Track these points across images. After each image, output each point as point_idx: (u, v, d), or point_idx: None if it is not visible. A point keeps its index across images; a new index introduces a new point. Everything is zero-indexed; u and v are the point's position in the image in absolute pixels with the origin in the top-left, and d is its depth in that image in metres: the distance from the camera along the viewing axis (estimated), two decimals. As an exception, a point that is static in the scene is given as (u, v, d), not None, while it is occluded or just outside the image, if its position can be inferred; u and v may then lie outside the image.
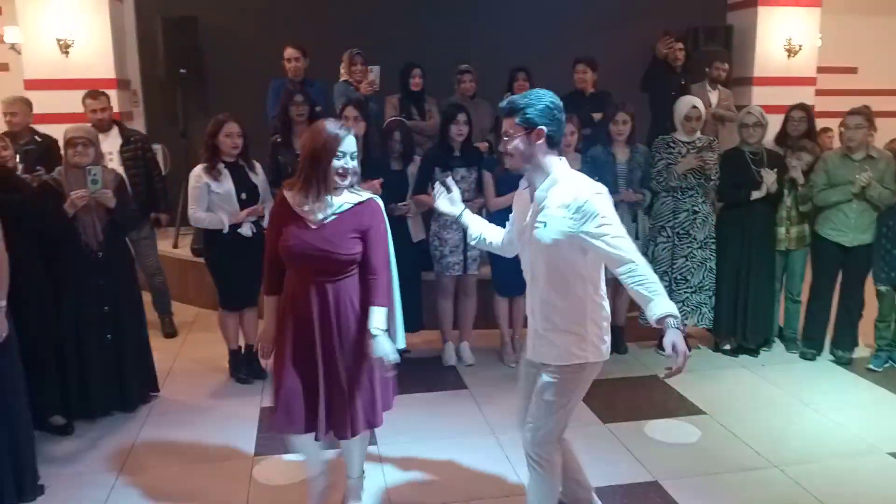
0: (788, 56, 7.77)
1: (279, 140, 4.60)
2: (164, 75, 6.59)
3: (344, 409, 2.74)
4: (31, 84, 6.38)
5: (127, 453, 3.62)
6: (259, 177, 4.37)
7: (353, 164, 2.66)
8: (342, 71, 5.61)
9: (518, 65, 5.89)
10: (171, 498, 3.22)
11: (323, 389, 2.72)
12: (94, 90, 5.20)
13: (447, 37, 7.00)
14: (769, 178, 4.65)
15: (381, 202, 2.80)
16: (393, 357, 2.67)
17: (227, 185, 4.21)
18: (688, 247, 4.76)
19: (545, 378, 2.56)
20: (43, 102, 5.95)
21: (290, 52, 5.54)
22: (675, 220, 4.76)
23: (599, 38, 7.11)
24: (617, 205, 4.63)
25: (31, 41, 6.44)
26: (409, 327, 4.90)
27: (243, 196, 4.26)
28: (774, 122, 5.05)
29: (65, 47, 6.38)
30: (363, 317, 2.71)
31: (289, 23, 6.72)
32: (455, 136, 4.56)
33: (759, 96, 7.55)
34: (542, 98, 2.46)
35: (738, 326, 4.90)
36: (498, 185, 4.57)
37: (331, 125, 2.65)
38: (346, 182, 2.66)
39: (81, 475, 3.41)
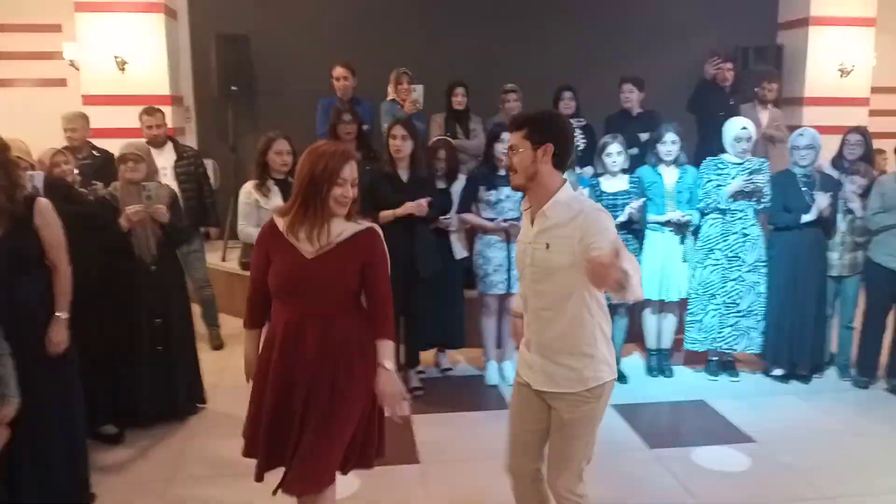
0: (841, 76, 7.62)
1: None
2: (216, 92, 6.75)
3: (313, 462, 2.44)
4: (89, 100, 6.59)
5: (176, 463, 3.68)
6: (308, 193, 4.43)
7: (353, 191, 2.44)
8: (390, 90, 5.68)
9: (564, 84, 5.89)
10: (217, 509, 3.27)
11: (294, 438, 2.45)
12: (150, 107, 5.35)
13: (494, 56, 7.06)
14: (823, 201, 4.55)
15: (380, 231, 2.55)
16: (402, 393, 2.47)
17: (275, 201, 4.27)
18: (737, 270, 4.68)
19: (568, 411, 2.41)
20: (100, 118, 6.14)
21: (338, 70, 5.63)
22: (725, 243, 4.69)
23: (647, 58, 7.07)
24: (664, 227, 4.69)
25: (89, 58, 6.66)
26: (452, 344, 4.95)
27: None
28: (827, 143, 4.95)
29: (122, 64, 6.58)
30: (363, 354, 2.46)
31: (338, 41, 6.83)
32: (499, 156, 4.58)
33: (811, 116, 7.42)
34: (553, 115, 2.44)
35: (789, 352, 4.79)
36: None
37: (331, 149, 2.45)
38: (345, 211, 2.44)
39: (131, 484, 3.49)
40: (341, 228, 2.46)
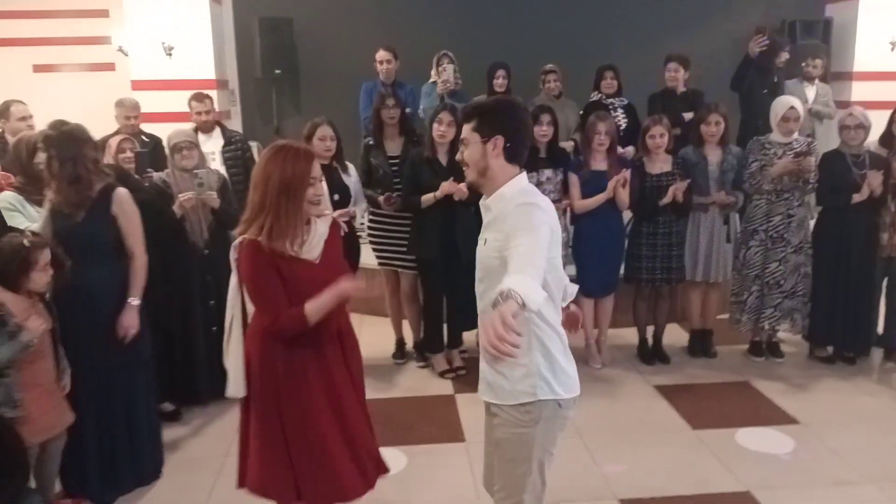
0: (892, 49, 7.40)
1: (371, 143, 4.73)
2: (260, 75, 6.86)
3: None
4: (138, 84, 6.75)
5: (231, 439, 3.81)
6: (352, 178, 4.51)
7: (322, 188, 2.40)
8: (433, 73, 5.70)
9: (606, 63, 5.84)
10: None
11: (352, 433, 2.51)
12: (199, 93, 5.47)
13: (536, 35, 7.02)
14: (875, 180, 4.46)
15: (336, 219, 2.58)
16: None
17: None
18: (781, 251, 4.64)
19: (500, 429, 2.21)
20: (148, 102, 6.29)
21: (381, 54, 5.68)
22: (769, 224, 4.65)
23: (690, 34, 6.98)
24: (708, 207, 4.67)
25: (137, 44, 6.81)
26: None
27: (336, 197, 4.39)
28: (876, 120, 4.85)
29: (168, 49, 6.72)
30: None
31: (381, 24, 6.87)
32: (539, 138, 4.59)
33: (860, 92, 7.25)
34: (506, 105, 2.24)
35: (836, 334, 4.76)
36: (584, 186, 4.57)
37: (294, 150, 2.35)
38: (319, 210, 2.40)
39: (189, 460, 3.65)
40: (319, 225, 2.44)
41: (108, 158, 4.17)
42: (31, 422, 2.79)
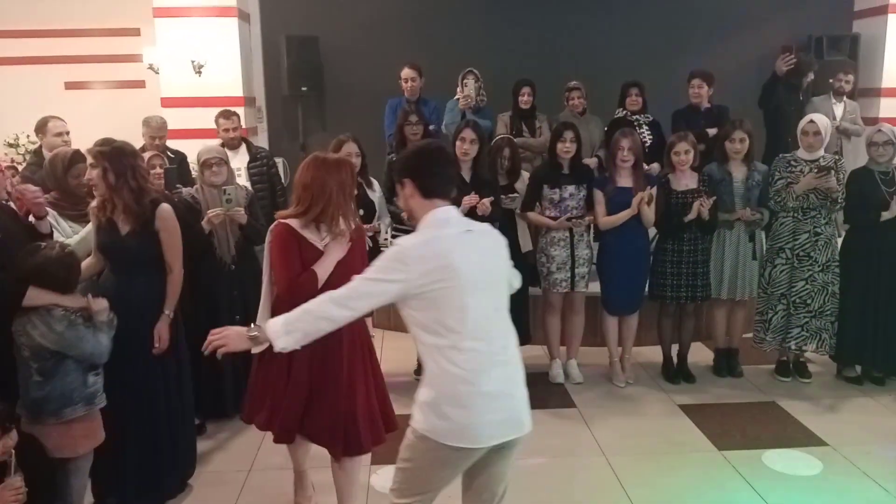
0: (922, 65, 7.32)
1: (395, 158, 4.76)
2: (286, 92, 6.96)
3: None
4: (168, 102, 6.87)
5: (255, 454, 3.86)
6: (376, 194, 4.55)
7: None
8: (458, 90, 5.73)
9: (631, 80, 5.84)
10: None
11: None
12: (226, 110, 5.55)
13: (561, 52, 7.06)
14: (902, 197, 4.42)
15: None
16: None
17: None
18: (808, 270, 4.59)
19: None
20: (177, 119, 6.40)
21: (406, 72, 5.73)
22: (796, 242, 4.60)
23: (715, 50, 6.97)
24: (733, 224, 4.63)
25: (167, 62, 6.94)
26: (518, 342, 4.99)
27: (361, 212, 4.42)
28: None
29: (198, 67, 6.83)
30: None
31: (406, 42, 6.94)
32: (562, 154, 4.59)
33: (888, 108, 7.17)
34: (410, 149, 2.40)
35: (864, 353, 4.69)
36: (609, 202, 4.56)
37: (343, 161, 2.89)
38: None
39: (213, 473, 3.68)
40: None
41: None
42: (60, 437, 2.84)
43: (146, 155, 4.30)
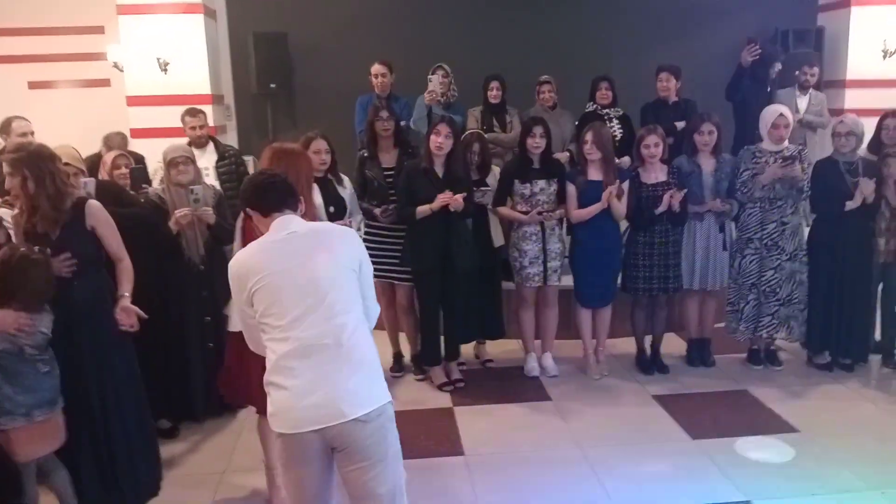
0: (884, 57, 7.45)
1: (366, 155, 4.73)
2: (255, 89, 6.88)
3: None
4: (133, 100, 6.76)
5: (228, 456, 3.81)
6: (347, 190, 4.51)
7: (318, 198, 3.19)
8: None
9: (601, 74, 5.87)
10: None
11: None
12: (192, 108, 5.47)
13: (531, 47, 7.07)
14: (867, 188, 4.49)
15: None
16: None
17: (316, 199, 4.35)
18: (776, 258, 4.65)
19: None
20: (143, 118, 6.30)
21: (376, 68, 5.70)
22: (763, 232, 4.66)
23: (683, 43, 7.04)
24: (703, 216, 4.68)
25: (132, 60, 6.82)
26: (491, 335, 5.01)
27: (331, 209, 4.39)
28: (870, 126, 4.88)
29: (164, 65, 6.73)
30: None
31: (376, 38, 6.89)
32: (532, 149, 4.60)
33: (853, 99, 7.28)
34: (244, 185, 2.56)
35: (833, 340, 4.76)
36: (580, 196, 4.57)
37: (303, 153, 3.15)
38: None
39: (186, 476, 3.63)
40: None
41: (102, 174, 4.17)
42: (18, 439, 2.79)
43: (110, 155, 4.22)
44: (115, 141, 5.33)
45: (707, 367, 4.89)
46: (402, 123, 5.09)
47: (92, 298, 3.16)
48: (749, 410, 4.24)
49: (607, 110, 5.75)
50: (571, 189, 4.61)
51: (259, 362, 2.69)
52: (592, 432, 3.97)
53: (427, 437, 3.96)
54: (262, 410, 3.03)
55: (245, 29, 7.06)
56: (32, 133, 4.76)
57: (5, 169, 3.13)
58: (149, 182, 4.40)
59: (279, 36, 6.90)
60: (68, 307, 3.05)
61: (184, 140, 5.24)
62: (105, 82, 7.57)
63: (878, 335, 4.94)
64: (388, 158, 4.69)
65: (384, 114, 4.69)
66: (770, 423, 4.06)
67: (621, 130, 5.70)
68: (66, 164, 3.51)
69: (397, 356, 4.95)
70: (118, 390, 3.23)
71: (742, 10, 7.43)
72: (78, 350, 3.11)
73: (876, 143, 4.87)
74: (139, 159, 5.30)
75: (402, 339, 4.95)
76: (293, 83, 6.93)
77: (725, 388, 4.58)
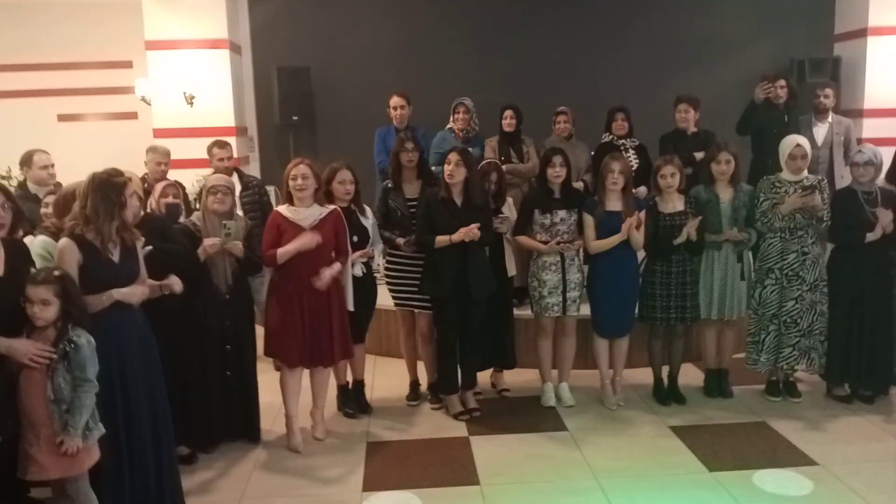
0: (901, 86, 7.46)
1: (390, 185, 4.81)
2: (278, 122, 7.05)
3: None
4: (160, 133, 6.94)
5: (245, 483, 3.85)
6: (369, 220, 4.60)
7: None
8: (451, 119, 5.80)
9: (617, 105, 5.93)
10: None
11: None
12: (220, 140, 5.61)
13: (550, 79, 7.18)
14: (885, 218, 4.48)
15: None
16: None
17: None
18: (797, 289, 4.64)
19: None
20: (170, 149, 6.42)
21: (395, 100, 5.82)
22: (784, 262, 4.65)
23: (700, 74, 7.10)
24: (721, 245, 4.69)
25: (159, 93, 7.02)
26: (505, 365, 5.02)
27: (355, 239, 4.47)
28: (888, 155, 4.87)
29: (190, 99, 6.91)
30: None
31: (394, 71, 7.06)
32: (553, 179, 4.65)
33: (871, 129, 7.28)
34: None
35: (853, 372, 4.72)
36: (599, 226, 4.61)
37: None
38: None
39: (207, 502, 3.66)
40: (316, 207, 4.24)
41: (152, 202, 4.26)
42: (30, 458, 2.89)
43: (161, 184, 4.34)
44: (161, 148, 5.52)
45: (725, 398, 4.86)
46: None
47: (144, 322, 3.28)
48: (767, 443, 4.20)
49: (623, 141, 5.80)
50: (589, 219, 4.64)
51: (281, 322, 4.09)
52: (609, 463, 3.96)
53: (442, 465, 3.98)
54: (288, 364, 4.20)
55: (269, 63, 7.25)
56: (53, 165, 4.92)
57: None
58: (186, 213, 4.51)
59: (302, 70, 7.08)
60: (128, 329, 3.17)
61: (208, 171, 5.37)
62: (132, 115, 7.79)
63: (899, 367, 4.89)
64: (412, 189, 4.76)
65: (409, 145, 4.75)
66: (789, 456, 4.02)
67: (637, 160, 5.74)
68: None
69: (414, 384, 4.98)
70: (156, 415, 3.31)
71: (758, 40, 7.51)
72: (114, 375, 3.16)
73: (893, 173, 4.86)
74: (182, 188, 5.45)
75: (420, 368, 4.98)
76: (315, 115, 7.11)
77: (743, 419, 4.55)
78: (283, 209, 4.22)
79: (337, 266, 4.18)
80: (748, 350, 4.86)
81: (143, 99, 7.40)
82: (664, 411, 4.69)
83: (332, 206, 4.26)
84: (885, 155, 4.80)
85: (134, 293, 3.18)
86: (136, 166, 5.49)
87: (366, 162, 5.84)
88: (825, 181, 4.82)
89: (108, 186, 3.09)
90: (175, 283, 3.47)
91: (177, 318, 3.92)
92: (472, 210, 4.46)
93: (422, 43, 7.42)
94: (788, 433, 4.30)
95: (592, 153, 5.85)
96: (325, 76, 7.19)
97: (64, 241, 3.09)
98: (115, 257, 3.14)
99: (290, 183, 4.20)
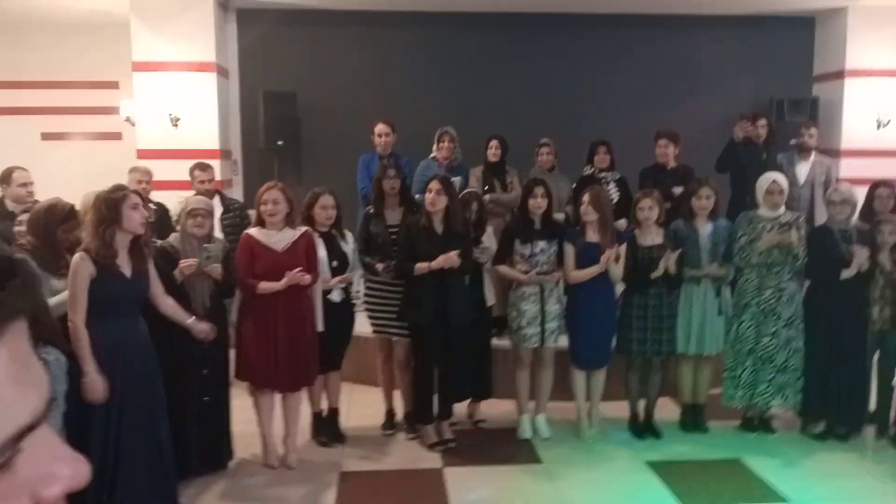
0: (878, 127, 7.60)
1: (372, 211, 4.83)
2: (263, 146, 7.06)
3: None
4: (144, 154, 6.91)
5: (218, 510, 3.79)
6: (349, 246, 4.60)
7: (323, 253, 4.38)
8: (434, 147, 5.84)
9: (599, 138, 6.01)
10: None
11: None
12: (202, 162, 5.62)
13: (535, 110, 7.26)
14: (861, 255, 4.54)
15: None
16: None
17: (320, 252, 4.45)
18: (773, 325, 4.67)
19: None
20: (153, 170, 6.40)
21: (380, 127, 5.86)
22: (761, 298, 4.69)
23: (682, 110, 7.20)
24: (699, 280, 4.73)
25: (145, 114, 7.02)
26: (481, 395, 5.00)
27: (335, 264, 4.47)
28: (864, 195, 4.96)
29: (175, 120, 6.91)
30: None
31: (380, 99, 7.11)
32: (534, 210, 4.68)
33: (848, 168, 7.40)
34: None
35: (828, 409, 4.74)
36: (578, 257, 4.64)
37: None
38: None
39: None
40: (288, 231, 4.23)
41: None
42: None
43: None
44: (143, 167, 5.55)
45: (701, 433, 4.86)
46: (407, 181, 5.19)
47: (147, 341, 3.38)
48: (742, 479, 4.20)
49: (605, 174, 5.87)
50: (570, 250, 4.67)
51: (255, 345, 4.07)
52: (583, 498, 3.94)
53: (415, 497, 3.95)
54: (258, 386, 4.22)
55: (256, 87, 7.28)
56: (32, 184, 4.89)
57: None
58: (161, 234, 4.50)
59: (288, 95, 7.12)
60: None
61: (205, 198, 5.36)
62: (117, 135, 7.78)
63: (873, 405, 4.92)
64: (394, 216, 4.78)
65: (391, 172, 4.78)
66: (762, 493, 4.02)
67: (618, 193, 5.80)
68: None
69: (389, 413, 4.94)
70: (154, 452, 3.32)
71: (739, 78, 7.64)
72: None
73: (867, 212, 4.94)
74: (163, 210, 5.44)
75: (396, 396, 4.94)
76: (300, 140, 7.12)
77: (719, 455, 4.54)
78: (254, 232, 4.21)
79: (308, 278, 4.12)
80: (725, 385, 4.87)
81: (128, 119, 7.40)
82: (640, 445, 4.68)
83: (303, 228, 4.27)
84: (861, 194, 4.89)
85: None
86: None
87: (350, 188, 5.87)
88: (802, 218, 4.89)
89: (104, 202, 3.23)
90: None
91: (156, 343, 3.88)
92: (453, 238, 4.48)
93: (408, 72, 7.50)
94: (763, 470, 4.30)
95: (574, 185, 5.90)
96: (312, 102, 7.22)
97: (79, 255, 3.23)
98: (127, 272, 3.20)
99: (262, 207, 4.21)
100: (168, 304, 3.64)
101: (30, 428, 0.52)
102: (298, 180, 6.57)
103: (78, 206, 3.73)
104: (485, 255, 4.71)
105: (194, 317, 3.66)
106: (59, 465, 0.54)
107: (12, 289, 0.53)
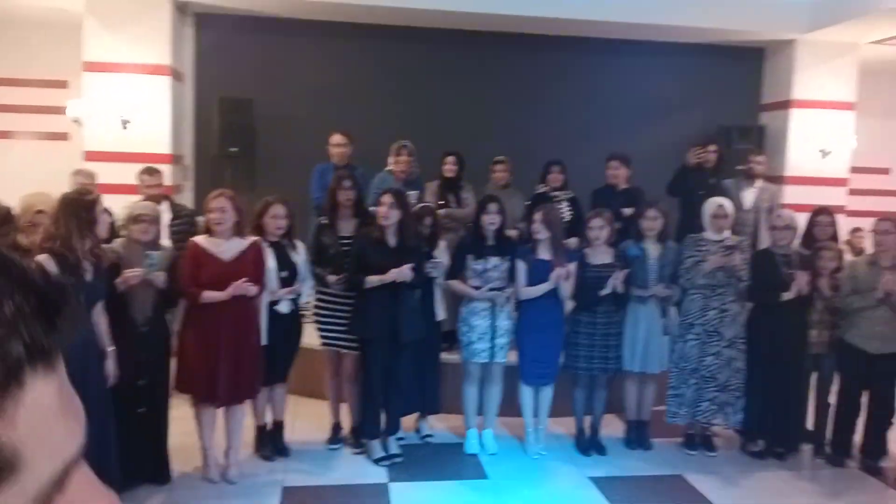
0: (822, 156, 7.87)
1: (324, 222, 4.78)
2: (216, 152, 6.95)
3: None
4: (92, 155, 6.74)
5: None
6: (300, 256, 4.55)
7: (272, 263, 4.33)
8: (389, 160, 5.83)
9: (553, 158, 6.08)
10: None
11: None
12: (150, 167, 5.50)
13: (491, 128, 7.34)
14: (801, 279, 4.68)
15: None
16: None
17: (269, 263, 4.39)
18: (716, 345, 4.78)
19: None
20: (100, 173, 6.25)
21: (336, 138, 5.82)
22: (704, 318, 4.80)
23: (633, 134, 7.35)
24: (647, 300, 4.81)
25: (93, 115, 6.84)
26: (429, 410, 4.99)
27: (284, 274, 4.42)
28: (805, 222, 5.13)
29: (124, 122, 6.76)
30: None
31: (338, 109, 7.06)
32: (487, 226, 4.72)
33: (792, 195, 7.63)
34: None
35: (767, 429, 4.86)
36: (529, 274, 4.68)
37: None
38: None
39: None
40: (237, 241, 4.15)
41: None
42: None
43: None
44: (87, 170, 5.41)
45: (644, 450, 4.93)
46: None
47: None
48: (683, 496, 4.27)
49: (557, 192, 5.94)
50: (521, 266, 4.71)
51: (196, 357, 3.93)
52: (527, 512, 3.96)
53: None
54: (198, 398, 4.10)
55: (212, 92, 7.17)
56: None
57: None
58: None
59: (245, 102, 7.03)
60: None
61: (151, 203, 5.24)
62: (63, 136, 7.57)
63: (810, 425, 5.06)
64: (347, 227, 4.74)
65: (347, 183, 4.74)
66: (703, 510, 4.10)
67: (571, 212, 5.87)
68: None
69: (336, 427, 4.88)
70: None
71: (689, 106, 7.84)
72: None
73: (808, 238, 5.11)
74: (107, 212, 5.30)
75: (343, 410, 4.89)
76: (255, 148, 7.03)
77: (661, 471, 4.62)
78: (201, 240, 4.12)
79: (253, 289, 4.06)
80: (668, 403, 4.95)
81: (76, 120, 7.22)
82: (585, 462, 4.73)
83: (252, 238, 4.20)
84: (802, 220, 5.05)
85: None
86: (64, 188, 5.34)
87: (303, 197, 5.81)
88: (747, 241, 5.03)
89: (78, 205, 3.22)
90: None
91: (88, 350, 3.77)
92: (405, 252, 4.47)
93: (366, 85, 7.48)
94: (703, 487, 4.38)
95: (527, 203, 5.96)
96: (268, 110, 7.14)
97: (42, 257, 3.17)
98: (88, 276, 3.14)
99: (208, 216, 4.14)
100: (101, 320, 3.59)
101: (74, 462, 0.49)
102: (251, 188, 6.48)
103: (17, 209, 3.61)
104: (437, 269, 4.72)
105: (113, 348, 3.56)
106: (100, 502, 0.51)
107: (67, 316, 0.50)
